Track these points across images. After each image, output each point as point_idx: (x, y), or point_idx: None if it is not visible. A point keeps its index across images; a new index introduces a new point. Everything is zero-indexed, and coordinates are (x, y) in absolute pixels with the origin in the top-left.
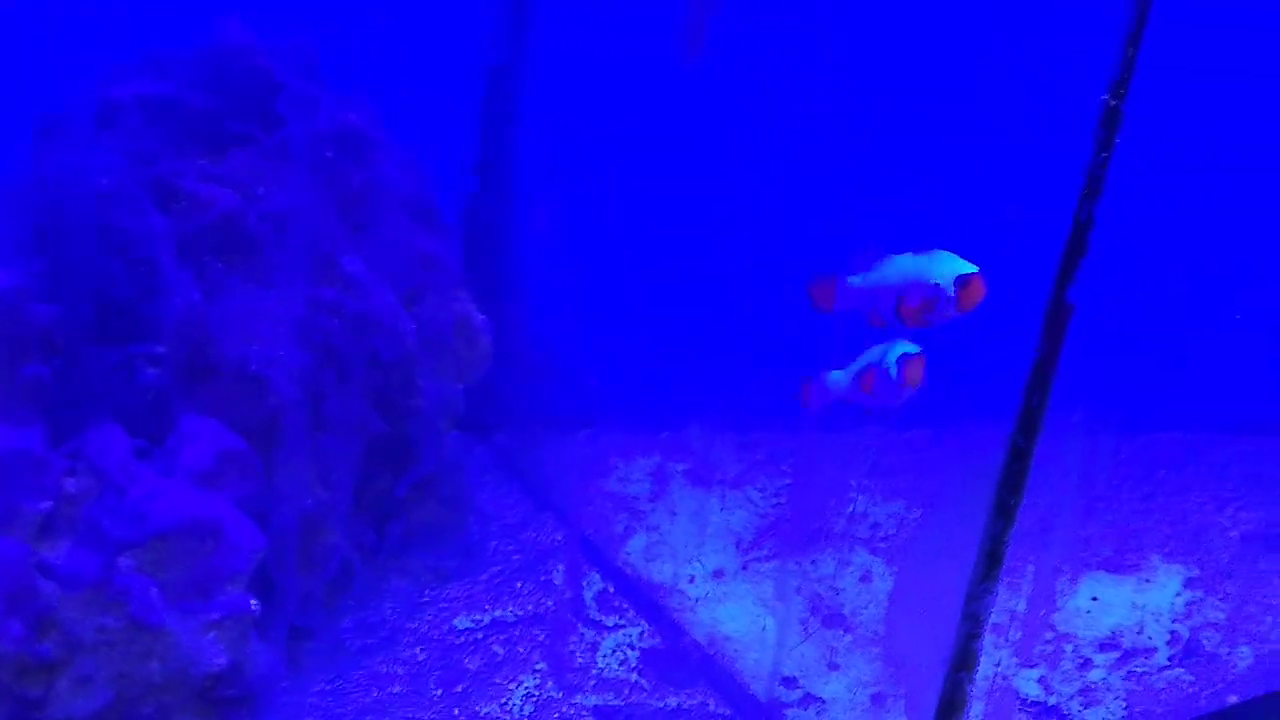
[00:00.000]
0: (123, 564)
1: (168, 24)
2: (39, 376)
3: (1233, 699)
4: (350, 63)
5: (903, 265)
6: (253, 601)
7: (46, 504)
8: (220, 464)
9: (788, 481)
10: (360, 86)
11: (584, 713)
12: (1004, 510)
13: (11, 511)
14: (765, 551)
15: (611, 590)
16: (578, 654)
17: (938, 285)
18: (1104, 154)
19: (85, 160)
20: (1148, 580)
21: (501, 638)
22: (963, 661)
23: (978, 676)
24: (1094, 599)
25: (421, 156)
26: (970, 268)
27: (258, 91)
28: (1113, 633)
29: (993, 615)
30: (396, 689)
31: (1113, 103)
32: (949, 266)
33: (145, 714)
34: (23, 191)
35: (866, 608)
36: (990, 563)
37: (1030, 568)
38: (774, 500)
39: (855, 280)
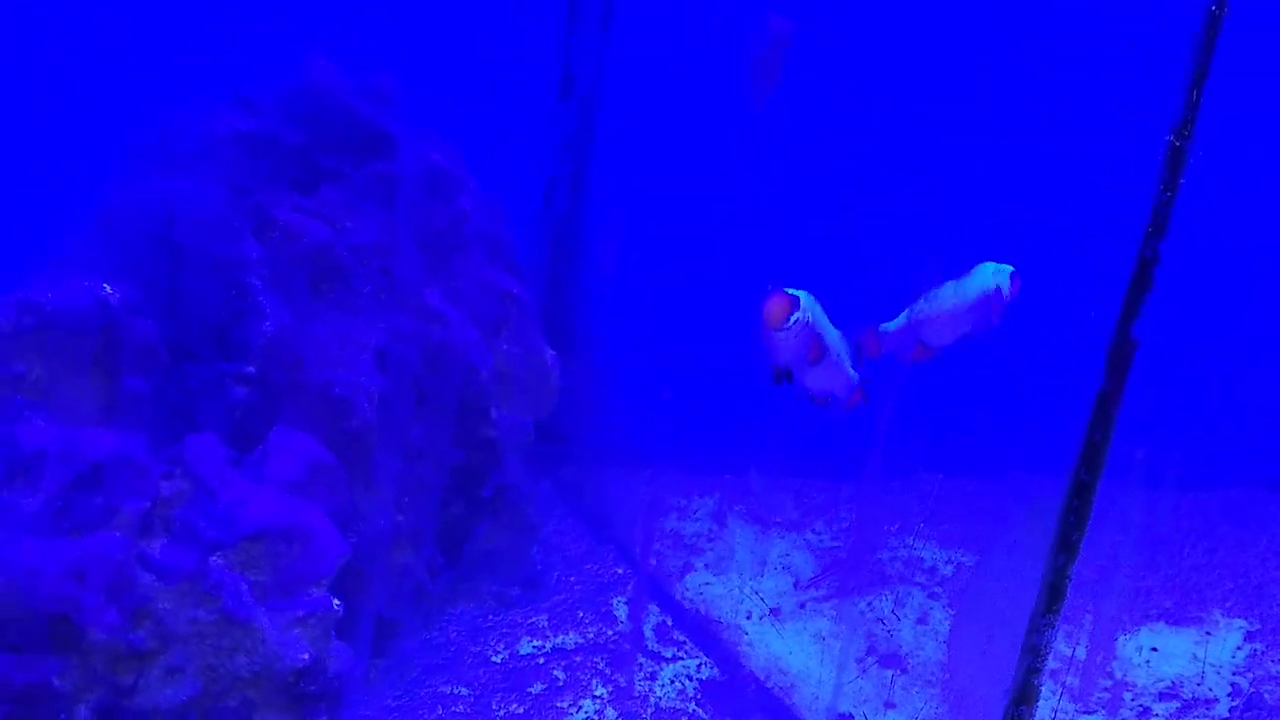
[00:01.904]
0: (214, 563)
1: (260, 60)
2: (140, 387)
3: None
4: (432, 100)
5: (950, 293)
6: (335, 602)
7: (144, 504)
8: (309, 474)
9: (845, 525)
10: (441, 124)
11: None
12: (1067, 544)
13: (111, 510)
14: (823, 592)
15: (670, 623)
16: (637, 683)
17: (988, 294)
18: (1169, 193)
19: (186, 188)
20: (1209, 633)
21: (563, 664)
22: (1023, 695)
23: (1036, 717)
24: (1154, 649)
25: (499, 195)
26: (1005, 267)
27: (346, 128)
28: (1173, 683)
29: (1051, 660)
30: (460, 708)
31: (1177, 143)
32: (987, 276)
33: (230, 707)
34: (120, 215)
35: (923, 649)
36: (1053, 596)
37: (1088, 617)
38: (831, 543)
39: (902, 318)
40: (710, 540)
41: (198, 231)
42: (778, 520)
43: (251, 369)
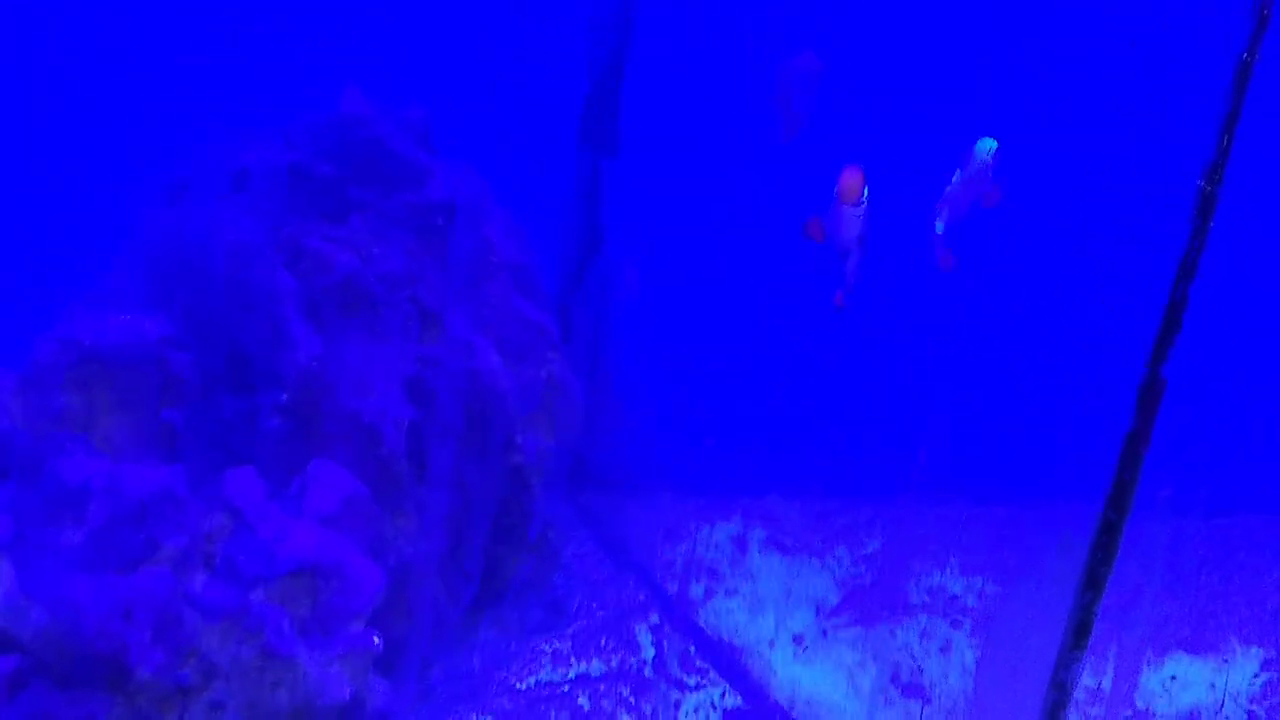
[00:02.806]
0: (255, 598)
1: (294, 92)
2: (177, 420)
3: None
4: (460, 131)
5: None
6: (375, 638)
7: (186, 540)
8: (344, 507)
9: (866, 550)
10: (468, 154)
11: None
12: (1094, 581)
13: (153, 545)
14: (845, 619)
15: (693, 650)
16: (661, 711)
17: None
18: (1199, 237)
19: (220, 219)
20: (1226, 660)
21: (586, 692)
22: None
23: None
24: (1173, 677)
25: (524, 223)
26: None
27: (375, 159)
28: (1192, 712)
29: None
30: None
31: (1208, 188)
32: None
33: None
34: (155, 245)
35: (946, 678)
36: (1080, 632)
37: (1112, 647)
38: (853, 568)
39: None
40: (732, 565)
41: (232, 262)
42: (799, 545)
43: (285, 398)
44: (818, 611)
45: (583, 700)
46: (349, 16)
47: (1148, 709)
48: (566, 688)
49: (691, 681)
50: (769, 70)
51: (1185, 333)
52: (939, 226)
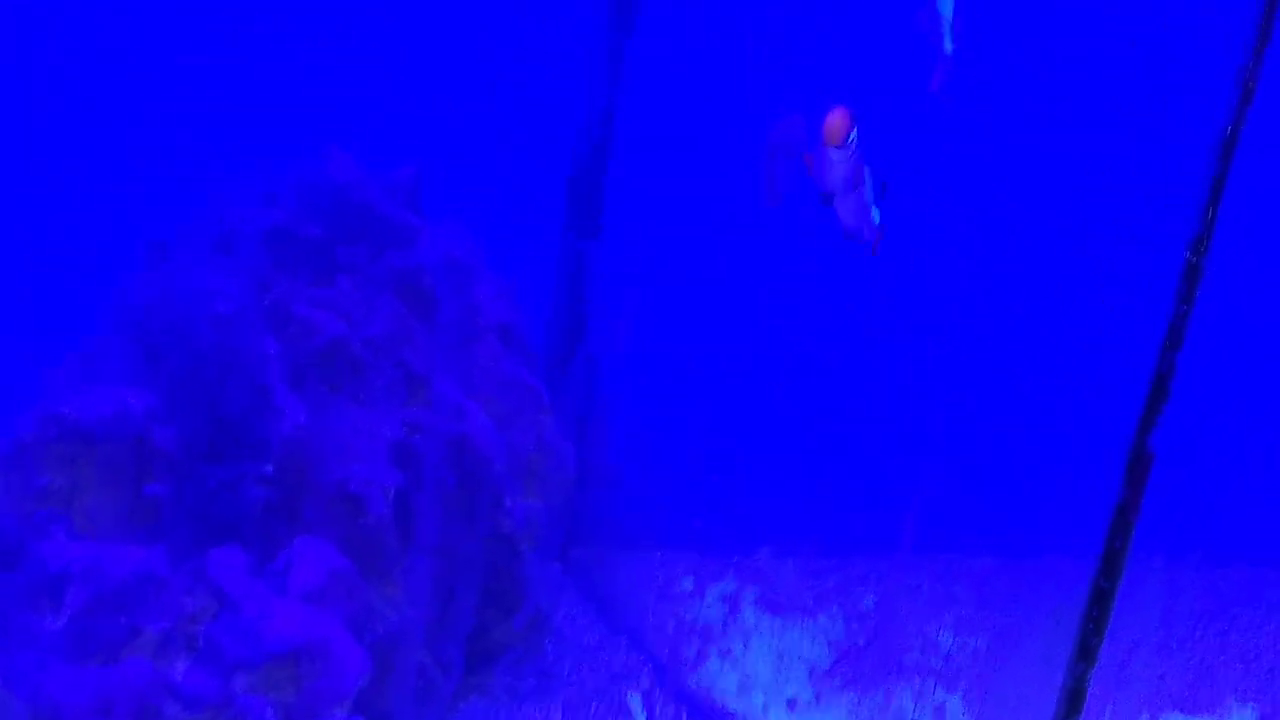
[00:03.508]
0: (238, 684)
1: (281, 151)
2: (161, 495)
3: None
4: (447, 187)
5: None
6: None
7: (166, 623)
8: (330, 582)
9: (860, 608)
10: (456, 212)
11: None
12: (1086, 651)
13: (134, 631)
14: (839, 681)
15: (685, 716)
16: None
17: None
18: (1185, 307)
19: (205, 283)
20: None
21: None
22: None
23: None
24: None
25: (512, 281)
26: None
27: (363, 220)
28: None
29: None
30: None
31: (1193, 259)
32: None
33: None
34: (138, 309)
35: None
36: (1073, 702)
37: (1108, 706)
38: (847, 628)
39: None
40: (724, 627)
41: (216, 329)
42: (791, 604)
43: (270, 469)
44: (811, 674)
45: None
46: (335, 71)
47: None
48: None
49: None
50: (752, 137)
51: (1173, 402)
52: (947, 44)
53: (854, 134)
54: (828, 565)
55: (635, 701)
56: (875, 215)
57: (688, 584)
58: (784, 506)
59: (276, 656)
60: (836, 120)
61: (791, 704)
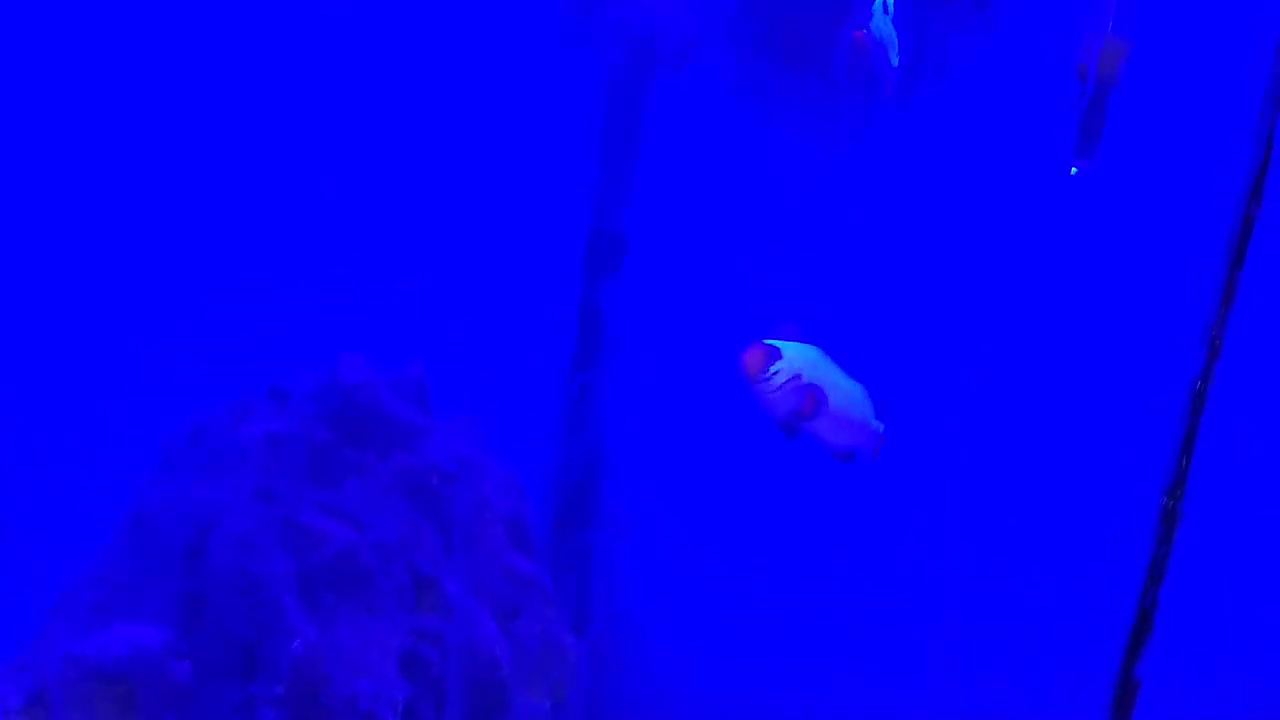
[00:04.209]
0: None
1: (291, 355)
2: None
3: None
4: (453, 383)
5: None
6: None
7: None
8: None
9: None
10: (463, 407)
11: None
12: None
13: None
14: None
15: None
16: None
17: None
18: (1163, 548)
19: (217, 496)
20: None
21: None
22: None
23: None
24: None
25: (518, 475)
26: None
27: (372, 422)
28: None
29: None
30: None
31: (1170, 503)
32: None
33: None
34: (150, 520)
35: None
36: None
37: None
38: None
39: None
40: None
41: (227, 544)
42: None
43: (280, 689)
44: None
45: None
46: (345, 273)
47: None
48: None
49: None
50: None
51: (1158, 635)
52: (893, 59)
53: (779, 365)
54: None
55: None
56: (875, 425)
57: None
58: (797, 692)
59: None
60: (751, 357)
61: None
